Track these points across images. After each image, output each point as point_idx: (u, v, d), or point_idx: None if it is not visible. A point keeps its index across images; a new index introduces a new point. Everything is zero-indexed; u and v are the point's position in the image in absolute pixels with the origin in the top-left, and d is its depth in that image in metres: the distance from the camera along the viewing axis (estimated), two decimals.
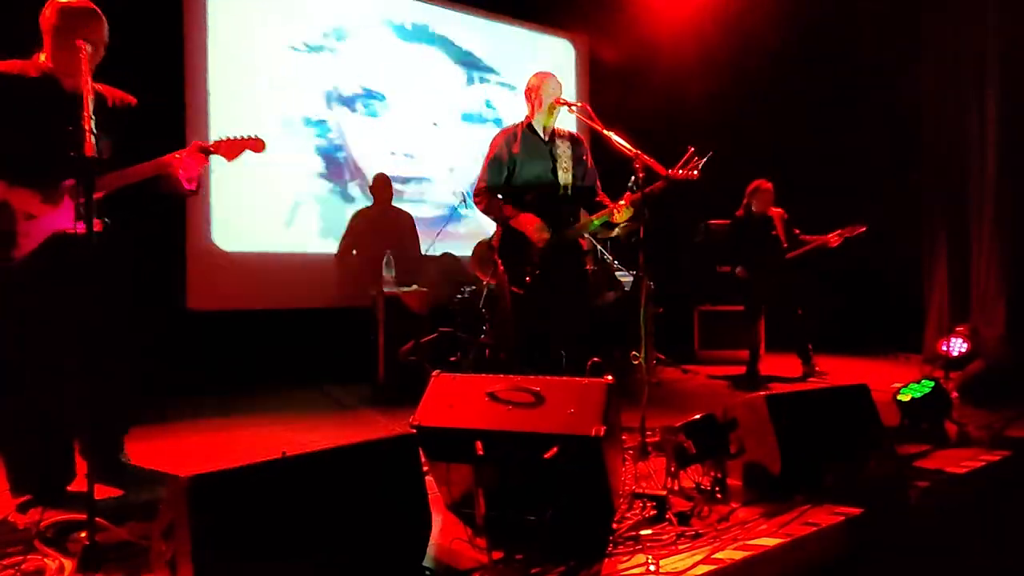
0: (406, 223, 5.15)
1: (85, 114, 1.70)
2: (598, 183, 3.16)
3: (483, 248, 4.61)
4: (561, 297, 2.90)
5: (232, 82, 4.75)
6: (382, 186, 5.08)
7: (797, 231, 4.79)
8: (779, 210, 4.81)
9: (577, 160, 3.07)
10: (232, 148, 2.17)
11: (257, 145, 2.21)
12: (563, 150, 3.04)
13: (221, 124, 4.59)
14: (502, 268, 2.91)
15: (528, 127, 3.07)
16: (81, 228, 1.70)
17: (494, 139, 3.10)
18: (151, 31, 4.16)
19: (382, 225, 5.04)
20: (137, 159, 2.13)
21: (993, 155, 5.10)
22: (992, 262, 5.11)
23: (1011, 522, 2.36)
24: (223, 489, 1.39)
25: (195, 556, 1.32)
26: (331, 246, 5.06)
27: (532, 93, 3.05)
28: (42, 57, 2.05)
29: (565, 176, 3.01)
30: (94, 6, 2.06)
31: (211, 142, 2.17)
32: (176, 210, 4.43)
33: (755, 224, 4.72)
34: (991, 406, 3.44)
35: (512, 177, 3.00)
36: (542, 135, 3.06)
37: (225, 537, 1.36)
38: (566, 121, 3.39)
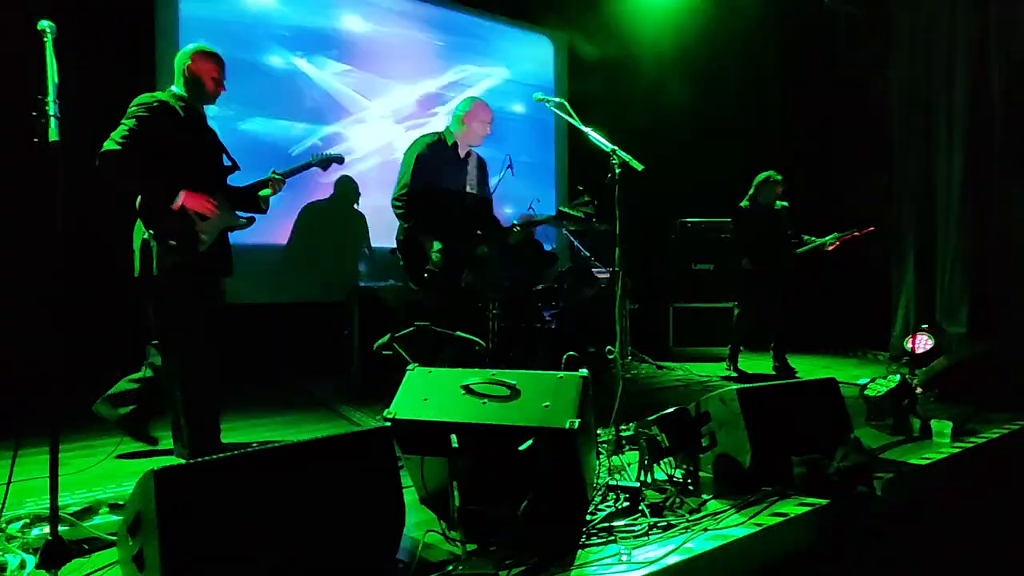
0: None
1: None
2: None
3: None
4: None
5: None
6: (349, 181, 5.07)
7: (794, 232, 4.72)
8: (784, 203, 4.71)
9: (482, 181, 3.59)
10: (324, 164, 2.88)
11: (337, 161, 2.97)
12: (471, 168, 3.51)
13: None
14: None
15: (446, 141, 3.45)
16: (242, 224, 2.58)
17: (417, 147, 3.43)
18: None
19: (351, 220, 5.00)
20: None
21: (959, 159, 5.25)
22: (956, 264, 5.27)
23: (970, 511, 2.44)
24: (191, 482, 1.37)
25: (163, 550, 1.29)
26: (303, 239, 4.99)
27: (468, 117, 3.43)
28: (178, 90, 2.52)
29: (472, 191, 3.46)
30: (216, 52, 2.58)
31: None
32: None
33: (761, 216, 4.60)
34: (953, 401, 3.55)
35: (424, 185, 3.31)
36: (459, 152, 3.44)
37: (194, 531, 1.33)
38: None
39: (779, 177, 4.60)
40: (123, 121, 2.31)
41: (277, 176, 2.67)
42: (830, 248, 4.57)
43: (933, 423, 2.86)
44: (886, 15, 5.78)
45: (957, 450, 2.67)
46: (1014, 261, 5.03)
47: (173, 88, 2.51)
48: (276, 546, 1.44)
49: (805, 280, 5.02)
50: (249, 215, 2.61)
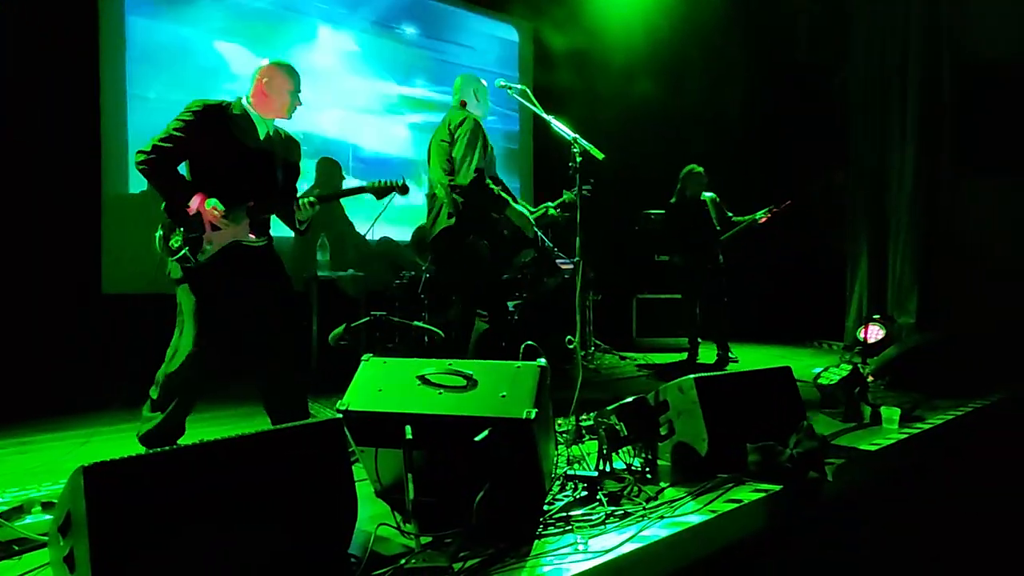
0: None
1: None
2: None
3: (422, 233, 4.53)
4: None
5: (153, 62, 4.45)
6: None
7: (730, 214, 4.82)
8: (711, 194, 4.83)
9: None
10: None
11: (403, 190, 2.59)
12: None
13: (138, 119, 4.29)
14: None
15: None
16: (252, 240, 2.43)
17: None
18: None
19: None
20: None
21: (911, 154, 5.42)
22: (907, 257, 5.46)
23: (916, 494, 2.52)
24: (124, 478, 1.29)
25: (93, 551, 1.22)
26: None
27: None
28: (246, 100, 2.49)
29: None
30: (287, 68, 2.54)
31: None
32: (91, 196, 4.16)
33: (689, 209, 4.73)
34: (902, 389, 3.67)
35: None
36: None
37: (127, 530, 1.26)
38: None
39: (700, 169, 4.72)
40: (168, 123, 2.35)
41: (310, 203, 2.48)
42: (762, 221, 4.65)
43: (883, 410, 2.95)
44: (844, 13, 5.91)
45: (905, 436, 2.76)
46: (961, 254, 5.23)
47: (242, 97, 2.49)
48: (218, 544, 1.38)
49: (762, 272, 5.12)
50: (262, 239, 2.47)
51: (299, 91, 2.53)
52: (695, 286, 4.77)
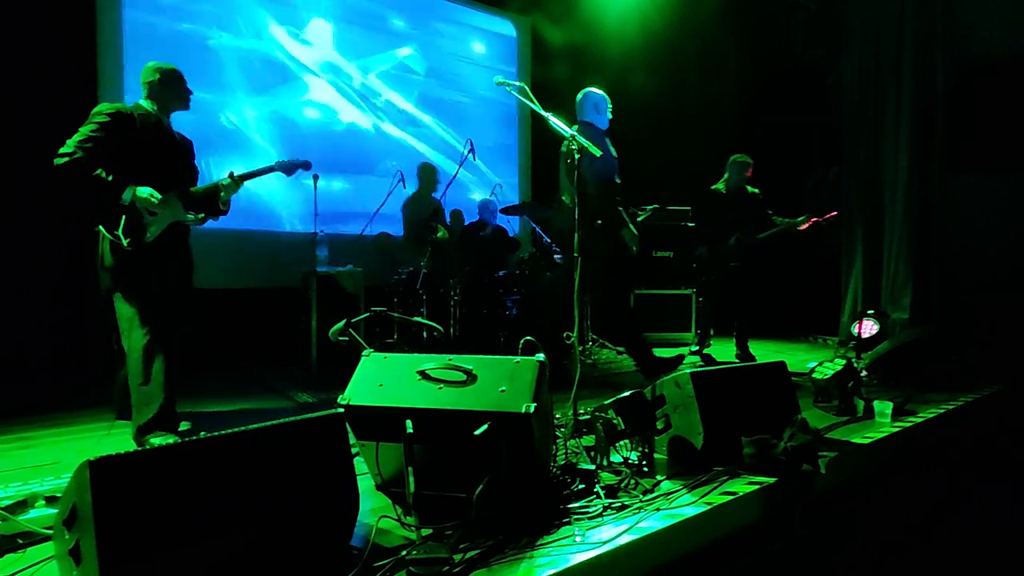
0: None
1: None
2: None
3: (421, 229, 4.54)
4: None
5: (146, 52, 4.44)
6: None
7: (770, 212, 4.67)
8: (755, 189, 4.68)
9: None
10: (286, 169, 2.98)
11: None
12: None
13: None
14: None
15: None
16: (191, 221, 2.72)
17: None
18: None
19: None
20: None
21: (905, 151, 5.46)
22: (901, 253, 5.50)
23: (908, 486, 2.56)
24: (130, 472, 1.31)
25: (100, 544, 1.24)
26: (258, 223, 4.86)
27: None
28: (145, 103, 2.72)
29: None
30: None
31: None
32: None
33: (729, 198, 4.56)
34: (895, 383, 3.71)
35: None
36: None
37: (132, 523, 1.28)
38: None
39: (744, 158, 4.55)
40: (80, 128, 2.51)
41: (231, 180, 2.81)
42: (802, 228, 4.52)
43: (875, 404, 2.99)
44: (839, 11, 5.93)
45: (897, 429, 2.80)
46: (955, 250, 5.28)
47: (140, 102, 2.71)
48: (222, 537, 1.40)
49: (757, 267, 5.13)
50: (200, 214, 2.75)
51: (186, 83, 2.76)
52: (715, 280, 4.63)
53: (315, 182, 4.58)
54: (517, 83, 2.98)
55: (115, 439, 2.71)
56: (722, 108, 6.68)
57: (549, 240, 4.89)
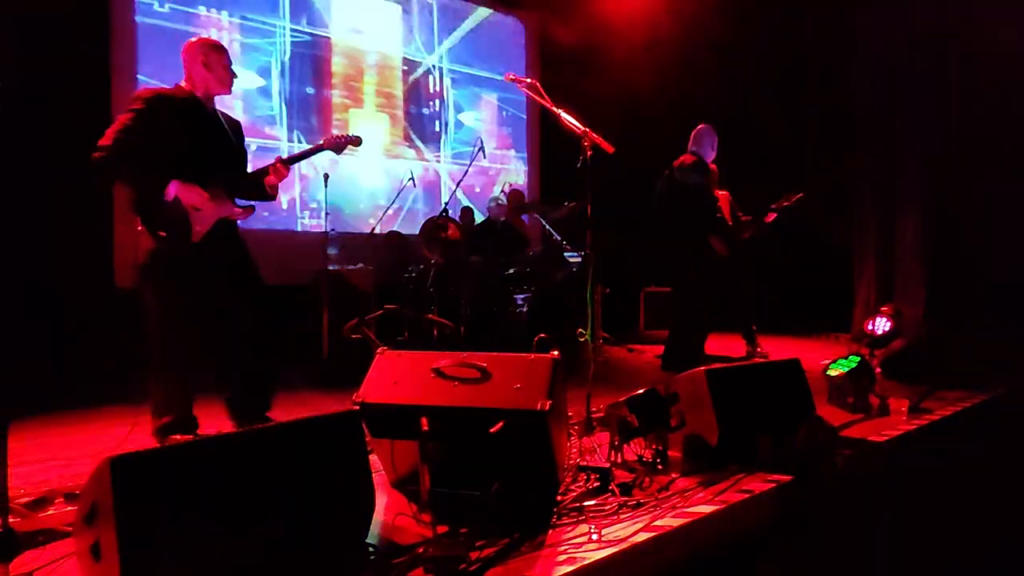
0: None
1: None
2: None
3: (431, 227, 4.55)
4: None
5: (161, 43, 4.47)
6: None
7: (741, 214, 4.76)
8: (725, 192, 4.77)
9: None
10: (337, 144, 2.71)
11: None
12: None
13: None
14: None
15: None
16: (238, 214, 2.50)
17: None
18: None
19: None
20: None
21: (919, 148, 5.40)
22: (915, 250, 5.44)
23: (924, 484, 2.54)
24: (150, 469, 1.32)
25: (120, 540, 1.25)
26: (268, 221, 4.88)
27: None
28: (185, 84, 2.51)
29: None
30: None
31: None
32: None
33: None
34: (910, 381, 3.68)
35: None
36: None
37: (152, 520, 1.29)
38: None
39: (714, 167, 4.59)
40: (119, 117, 2.33)
41: (280, 164, 2.60)
42: (768, 219, 4.57)
43: (890, 401, 2.96)
44: (851, 4, 5.87)
45: (913, 427, 2.77)
46: (968, 248, 5.22)
47: (181, 83, 2.51)
48: (241, 533, 1.41)
49: (773, 266, 5.09)
50: (247, 204, 2.56)
51: (231, 63, 2.55)
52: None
53: (325, 181, 4.61)
54: (527, 80, 2.96)
55: (137, 438, 2.73)
56: (735, 102, 6.62)
57: (560, 238, 4.88)
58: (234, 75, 2.56)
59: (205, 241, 2.40)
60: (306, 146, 2.75)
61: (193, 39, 2.53)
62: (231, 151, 2.58)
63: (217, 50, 2.51)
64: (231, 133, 2.60)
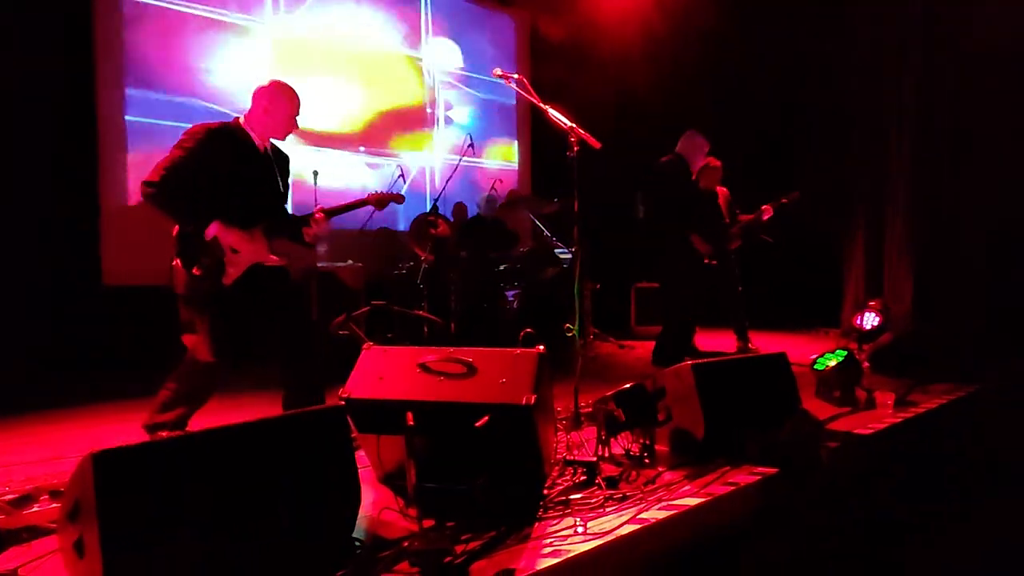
0: None
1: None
2: None
3: (421, 223, 4.54)
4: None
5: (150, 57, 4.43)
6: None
7: (739, 212, 4.74)
8: (724, 189, 4.76)
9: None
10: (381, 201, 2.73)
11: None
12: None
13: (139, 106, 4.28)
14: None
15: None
16: (272, 260, 2.45)
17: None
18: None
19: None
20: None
21: (909, 146, 5.44)
22: (903, 246, 5.49)
23: (908, 476, 2.57)
24: (133, 465, 1.31)
25: (103, 536, 1.25)
26: None
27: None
28: (241, 119, 2.50)
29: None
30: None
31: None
32: (90, 190, 4.17)
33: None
34: (897, 374, 3.71)
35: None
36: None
37: (136, 515, 1.29)
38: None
39: (718, 163, 4.63)
40: (169, 151, 2.34)
41: (320, 216, 2.55)
42: (765, 218, 4.58)
43: (877, 395, 2.99)
44: (843, 2, 5.89)
45: (898, 420, 2.79)
46: (956, 245, 5.26)
47: (240, 117, 2.51)
48: (225, 528, 1.41)
49: (763, 261, 5.11)
50: (282, 254, 2.52)
51: (297, 115, 2.54)
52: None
53: (315, 178, 4.59)
54: (515, 76, 2.96)
55: (124, 434, 2.72)
56: (724, 99, 6.64)
57: (550, 234, 4.89)
58: (295, 126, 2.56)
59: (239, 283, 2.40)
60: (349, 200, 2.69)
61: (266, 83, 2.52)
62: (276, 195, 2.57)
63: (284, 98, 2.50)
64: (279, 172, 2.58)
